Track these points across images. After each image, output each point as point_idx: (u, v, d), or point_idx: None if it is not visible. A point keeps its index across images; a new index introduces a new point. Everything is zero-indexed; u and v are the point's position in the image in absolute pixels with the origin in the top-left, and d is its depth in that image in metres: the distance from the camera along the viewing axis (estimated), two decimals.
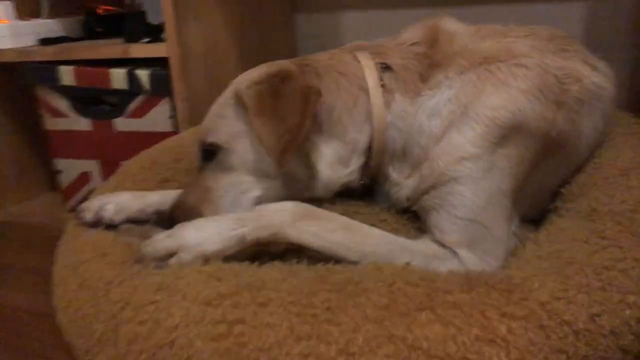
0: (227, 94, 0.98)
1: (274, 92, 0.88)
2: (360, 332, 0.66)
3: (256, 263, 0.82)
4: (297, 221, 0.83)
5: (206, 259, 0.82)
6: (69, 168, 1.79)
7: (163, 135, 1.52)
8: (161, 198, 1.04)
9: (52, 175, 1.92)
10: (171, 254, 0.83)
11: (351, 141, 0.96)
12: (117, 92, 1.58)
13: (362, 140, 0.96)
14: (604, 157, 1.01)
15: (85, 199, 1.09)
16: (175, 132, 1.54)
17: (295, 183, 0.95)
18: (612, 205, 0.86)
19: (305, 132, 0.87)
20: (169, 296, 0.76)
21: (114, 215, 1.01)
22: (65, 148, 1.76)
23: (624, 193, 0.88)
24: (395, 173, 0.99)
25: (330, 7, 2.09)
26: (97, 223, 1.01)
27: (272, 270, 0.79)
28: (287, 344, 0.67)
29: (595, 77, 0.95)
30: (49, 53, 1.63)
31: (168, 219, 0.96)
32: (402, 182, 0.98)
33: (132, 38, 1.54)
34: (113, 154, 1.68)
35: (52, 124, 1.74)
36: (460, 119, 0.88)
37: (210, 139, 0.96)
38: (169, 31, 1.41)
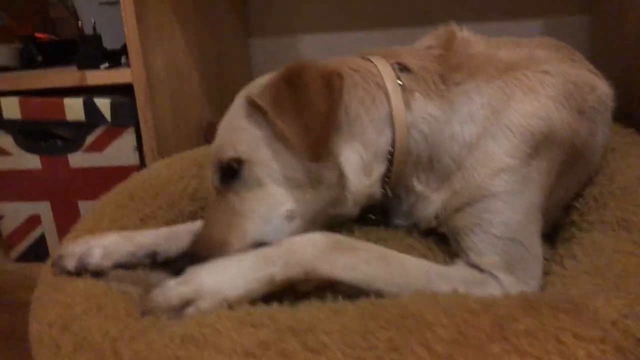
0: (236, 107, 0.89)
1: (291, 86, 0.81)
2: None
3: (284, 303, 0.73)
4: (329, 254, 0.75)
5: (229, 307, 0.72)
6: (13, 212, 1.61)
7: (127, 170, 1.40)
8: (154, 239, 0.93)
9: None
10: (187, 303, 0.73)
11: (371, 143, 0.87)
12: (71, 124, 1.43)
13: (383, 142, 0.87)
14: (612, 168, 1.01)
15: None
16: (140, 166, 1.42)
17: (328, 192, 0.86)
18: None
19: (335, 119, 0.81)
20: (198, 350, 0.66)
21: (101, 261, 0.89)
22: (7, 190, 1.58)
23: None
24: (421, 185, 0.91)
25: (285, 32, 2.05)
26: (81, 271, 0.88)
27: (311, 310, 0.70)
28: None
29: (604, 86, 0.95)
30: None
31: (189, 261, 0.81)
32: (429, 196, 0.90)
33: (88, 64, 1.40)
34: (67, 194, 1.53)
35: None
36: (495, 126, 0.84)
37: (230, 154, 0.85)
38: (133, 55, 1.30)
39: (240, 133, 0.86)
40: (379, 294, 0.75)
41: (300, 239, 0.77)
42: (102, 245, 0.90)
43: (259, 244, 0.81)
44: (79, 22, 1.47)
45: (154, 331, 0.70)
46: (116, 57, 1.44)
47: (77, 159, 1.48)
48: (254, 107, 0.85)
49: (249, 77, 2.05)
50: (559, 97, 0.85)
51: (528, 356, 0.60)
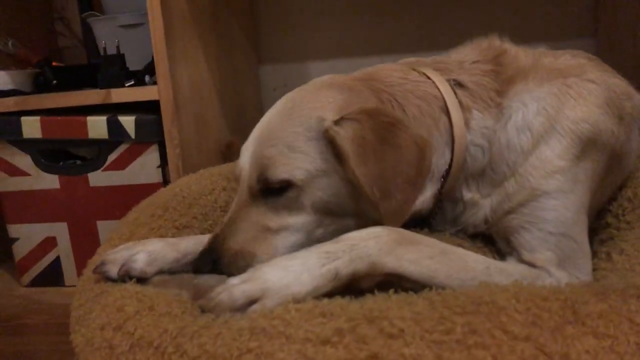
0: (297, 122, 0.84)
1: (380, 141, 0.78)
2: (516, 353, 0.59)
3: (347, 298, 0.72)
4: (394, 248, 0.74)
5: (296, 303, 0.70)
6: (27, 235, 1.58)
7: (150, 187, 1.40)
8: (198, 245, 0.92)
9: (6, 245, 1.67)
10: (251, 302, 0.71)
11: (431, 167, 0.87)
12: (92, 142, 1.43)
13: (442, 164, 0.88)
14: None
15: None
16: (163, 184, 1.41)
17: (366, 221, 0.84)
18: None
19: (421, 188, 0.82)
20: (269, 341, 0.65)
21: (145, 267, 0.88)
22: (23, 211, 1.56)
23: None
24: (470, 193, 0.92)
25: (295, 58, 2.09)
26: (125, 278, 0.87)
27: (380, 300, 0.69)
28: None
29: (638, 95, 0.98)
30: (9, 104, 1.46)
31: (201, 264, 0.84)
32: (479, 203, 0.91)
33: (112, 83, 1.41)
34: (85, 214, 1.51)
35: (7, 184, 1.54)
36: (549, 132, 0.86)
37: (283, 176, 0.82)
38: (161, 72, 1.32)
39: (298, 156, 0.82)
40: (440, 289, 0.74)
41: (361, 234, 0.76)
42: (146, 251, 0.89)
43: None
44: (103, 42, 1.48)
45: (218, 326, 0.69)
46: (140, 77, 1.45)
47: (98, 178, 1.47)
48: (326, 138, 0.82)
49: (259, 101, 2.09)
50: (602, 104, 0.88)
51: (604, 337, 0.61)
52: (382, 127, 0.79)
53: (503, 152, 0.88)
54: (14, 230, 1.58)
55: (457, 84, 0.91)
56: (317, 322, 0.66)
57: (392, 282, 0.76)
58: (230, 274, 0.77)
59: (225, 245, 0.83)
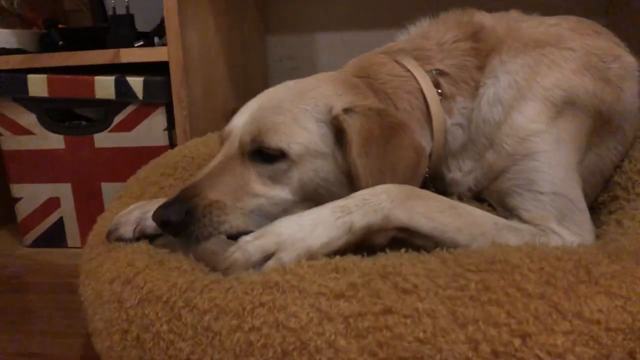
0: (310, 103, 0.86)
1: (384, 137, 0.82)
2: (529, 310, 0.59)
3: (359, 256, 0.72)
4: (405, 200, 0.75)
5: (311, 258, 0.70)
6: (30, 195, 1.57)
7: (156, 150, 1.39)
8: None
9: (7, 205, 1.67)
10: (267, 257, 0.71)
11: None
12: (100, 102, 1.42)
13: (426, 150, 0.92)
14: None
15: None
16: (170, 146, 1.40)
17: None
18: None
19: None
20: (282, 295, 0.65)
21: None
22: (27, 171, 1.55)
23: None
24: (450, 174, 0.98)
25: (303, 29, 2.07)
26: (140, 237, 0.87)
27: (392, 258, 0.70)
28: (451, 331, 0.59)
29: (628, 56, 0.99)
30: (15, 62, 1.44)
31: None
32: (459, 179, 0.97)
33: (121, 43, 1.39)
34: (89, 175, 1.50)
35: (11, 143, 1.53)
36: (519, 101, 0.90)
37: (280, 144, 0.82)
38: (171, 33, 1.30)
39: (301, 132, 0.84)
40: (451, 245, 0.75)
41: (374, 190, 0.76)
42: None
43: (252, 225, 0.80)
44: (113, 2, 1.46)
45: (229, 280, 0.69)
46: (149, 38, 1.43)
47: (103, 139, 1.47)
48: (334, 123, 0.84)
49: (265, 71, 2.07)
50: (580, 69, 0.91)
51: (617, 297, 0.61)
52: (388, 126, 0.83)
53: (480, 126, 0.93)
54: (17, 189, 1.58)
55: (439, 73, 0.95)
56: (331, 277, 0.66)
57: (404, 240, 0.76)
58: (202, 228, 0.77)
59: (202, 195, 0.80)
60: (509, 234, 0.79)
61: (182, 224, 0.77)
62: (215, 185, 0.81)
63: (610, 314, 0.59)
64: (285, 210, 0.83)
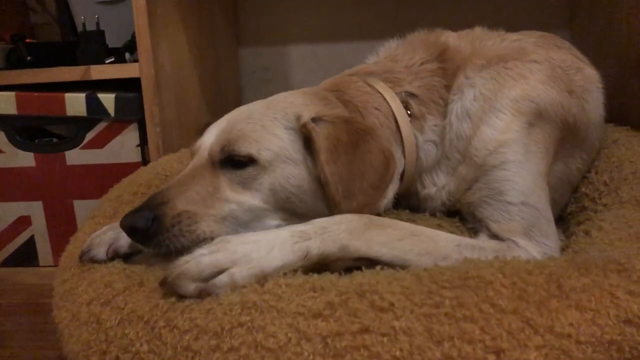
0: (277, 109, 0.88)
1: (352, 144, 0.83)
2: (503, 326, 0.61)
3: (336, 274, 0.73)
4: (364, 231, 0.76)
5: (263, 278, 0.70)
6: (0, 213, 1.54)
7: (128, 167, 1.38)
8: None
9: None
10: (218, 272, 0.70)
11: None
12: (70, 120, 1.40)
13: (399, 169, 0.94)
14: (619, 157, 1.07)
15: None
16: (142, 163, 1.39)
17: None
18: None
19: (383, 194, 0.86)
20: (261, 315, 0.66)
21: (133, 244, 0.86)
22: None
23: None
24: (425, 190, 0.99)
25: (275, 41, 2.07)
26: (113, 257, 0.87)
27: (368, 276, 0.70)
28: (427, 349, 0.60)
29: (589, 68, 1.03)
30: None
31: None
32: (434, 194, 0.99)
33: (91, 60, 1.38)
34: (61, 193, 1.48)
35: None
36: (487, 113, 0.92)
37: (250, 150, 0.83)
38: (143, 49, 1.29)
39: (271, 138, 0.84)
40: None
41: (333, 219, 0.77)
42: None
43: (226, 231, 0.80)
44: (82, 18, 1.44)
45: (209, 301, 0.69)
46: (120, 54, 1.42)
47: (75, 156, 1.45)
48: (302, 131, 0.84)
49: (238, 84, 2.08)
50: (547, 80, 0.93)
51: (587, 310, 0.63)
52: (355, 132, 0.85)
53: (453, 142, 0.96)
54: None
55: (409, 95, 0.97)
56: (309, 296, 0.67)
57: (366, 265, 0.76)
58: (172, 238, 0.76)
59: (171, 204, 0.78)
60: (472, 253, 0.80)
61: (150, 231, 0.76)
62: (185, 193, 0.81)
63: (580, 327, 0.61)
64: (258, 218, 0.83)
